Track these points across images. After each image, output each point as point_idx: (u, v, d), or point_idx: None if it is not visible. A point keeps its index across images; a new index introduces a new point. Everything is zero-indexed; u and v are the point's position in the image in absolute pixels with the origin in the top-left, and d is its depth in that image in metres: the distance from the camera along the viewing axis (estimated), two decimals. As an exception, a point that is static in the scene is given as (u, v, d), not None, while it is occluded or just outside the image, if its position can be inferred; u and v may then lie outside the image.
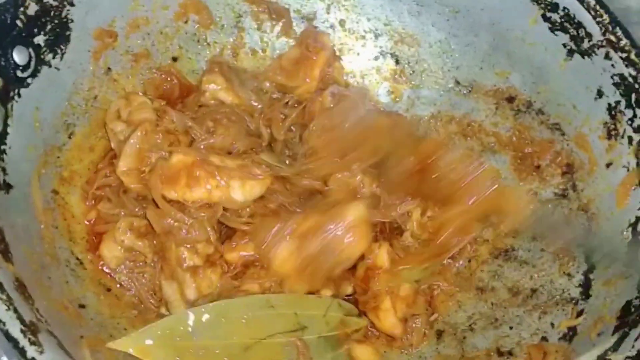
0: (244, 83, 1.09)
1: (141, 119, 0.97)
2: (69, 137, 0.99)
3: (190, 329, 0.85)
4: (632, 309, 0.82)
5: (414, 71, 1.16)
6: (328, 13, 1.16)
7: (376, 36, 1.16)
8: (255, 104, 1.07)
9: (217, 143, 0.98)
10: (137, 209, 0.97)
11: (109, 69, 1.04)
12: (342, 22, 1.16)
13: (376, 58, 1.17)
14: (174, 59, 1.11)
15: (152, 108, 0.99)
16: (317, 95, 1.05)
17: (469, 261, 1.04)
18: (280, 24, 1.15)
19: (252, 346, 0.88)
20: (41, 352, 0.72)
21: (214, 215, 0.93)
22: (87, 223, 0.98)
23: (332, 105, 1.02)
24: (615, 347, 0.79)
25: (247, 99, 1.06)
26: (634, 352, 0.77)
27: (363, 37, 1.17)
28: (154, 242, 0.95)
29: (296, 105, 1.07)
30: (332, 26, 1.16)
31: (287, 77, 1.09)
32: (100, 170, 1.00)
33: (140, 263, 0.97)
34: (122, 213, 0.97)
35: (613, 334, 0.82)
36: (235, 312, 0.88)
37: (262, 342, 0.88)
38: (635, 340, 0.78)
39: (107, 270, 0.96)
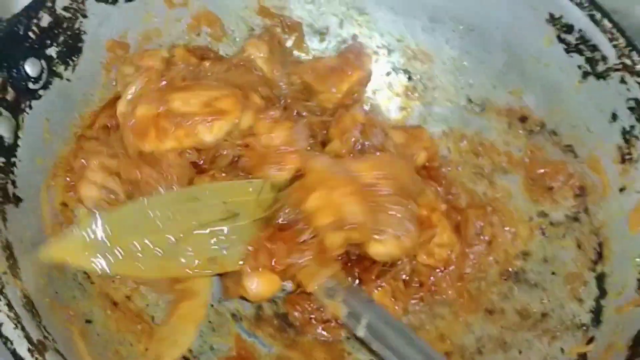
0: (283, 64, 1.08)
1: (148, 66, 0.98)
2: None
3: (115, 230, 0.86)
4: (645, 339, 0.81)
5: (426, 88, 1.15)
6: (341, 28, 1.15)
7: (389, 52, 1.16)
8: (284, 87, 1.07)
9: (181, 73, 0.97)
10: (121, 151, 0.96)
11: (120, 80, 1.04)
12: (354, 38, 1.15)
13: (388, 74, 1.16)
14: (186, 71, 1.10)
15: (161, 57, 1.00)
16: (347, 109, 1.04)
17: (479, 282, 1.03)
18: (293, 38, 1.14)
19: (183, 239, 0.88)
20: (48, 372, 0.72)
21: (185, 166, 0.93)
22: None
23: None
24: (627, 377, 0.79)
25: (279, 79, 1.06)
26: (645, 383, 0.76)
27: (376, 53, 1.16)
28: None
29: (317, 110, 1.07)
30: (344, 41, 1.16)
31: (316, 79, 1.08)
32: (102, 110, 1.00)
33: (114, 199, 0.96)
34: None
35: (624, 363, 0.81)
36: (159, 209, 0.88)
37: (193, 234, 0.89)
38: (648, 370, 0.77)
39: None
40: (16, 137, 0.88)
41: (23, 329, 0.73)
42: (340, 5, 1.14)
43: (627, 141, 0.94)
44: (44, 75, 0.93)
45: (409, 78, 1.16)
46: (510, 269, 1.03)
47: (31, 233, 0.87)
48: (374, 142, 0.99)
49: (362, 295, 0.94)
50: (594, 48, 0.97)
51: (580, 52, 0.98)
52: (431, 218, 1.00)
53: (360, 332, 0.90)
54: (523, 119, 1.08)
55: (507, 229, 1.05)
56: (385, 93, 1.17)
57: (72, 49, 0.96)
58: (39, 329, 0.76)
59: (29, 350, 0.72)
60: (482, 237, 1.03)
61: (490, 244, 1.04)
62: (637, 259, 0.89)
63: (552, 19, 0.99)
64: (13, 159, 0.87)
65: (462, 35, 1.10)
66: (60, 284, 0.89)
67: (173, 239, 0.88)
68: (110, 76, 1.02)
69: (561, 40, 1.00)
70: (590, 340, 0.91)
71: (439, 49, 1.13)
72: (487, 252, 1.03)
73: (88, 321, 0.89)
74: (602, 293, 0.93)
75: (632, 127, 0.94)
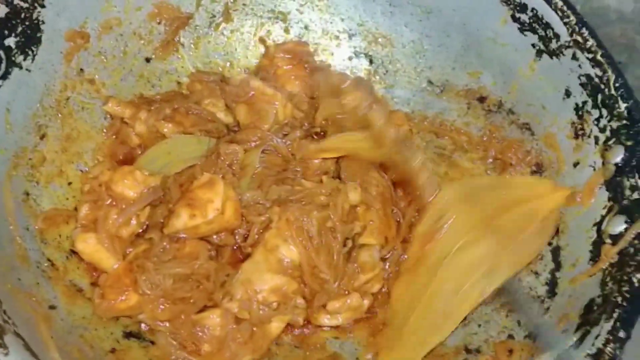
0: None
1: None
2: (41, 139, 0.99)
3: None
4: (595, 307, 0.83)
5: (387, 71, 1.16)
6: (301, 13, 1.16)
7: (350, 36, 1.17)
8: None
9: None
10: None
11: (82, 70, 1.04)
12: (315, 22, 1.16)
13: (350, 58, 1.18)
14: (147, 60, 1.11)
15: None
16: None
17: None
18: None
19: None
20: (6, 354, 0.73)
21: None
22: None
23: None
24: (577, 345, 0.80)
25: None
26: (593, 350, 0.78)
27: (337, 38, 1.17)
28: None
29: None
30: (306, 26, 1.17)
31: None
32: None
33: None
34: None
35: (575, 331, 0.82)
36: None
37: None
38: (596, 338, 0.79)
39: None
40: (-25, 127, 0.89)
41: (-19, 312, 0.74)
42: (301, -10, 1.15)
43: (580, 117, 0.96)
44: (3, 66, 0.93)
45: (371, 62, 1.17)
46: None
47: (-8, 222, 0.88)
48: None
49: None
50: (547, 26, 0.98)
51: (534, 31, 1.00)
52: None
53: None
54: (482, 99, 1.10)
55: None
56: (348, 77, 1.17)
57: (31, 39, 0.96)
58: (-2, 314, 0.77)
59: (-15, 332, 0.73)
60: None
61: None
62: (590, 232, 0.91)
63: (507, -1, 1.01)
64: (-27, 149, 0.88)
65: (421, 18, 1.11)
66: (22, 271, 0.89)
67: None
68: (71, 65, 1.02)
69: (515, 19, 1.01)
70: (546, 311, 0.92)
71: (398, 32, 1.14)
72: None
73: (52, 307, 0.90)
74: (557, 266, 0.95)
75: (585, 102, 0.95)
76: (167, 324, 0.92)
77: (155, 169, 0.99)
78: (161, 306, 0.90)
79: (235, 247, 0.97)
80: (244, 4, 1.15)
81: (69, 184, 1.01)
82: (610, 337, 0.78)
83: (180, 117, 1.03)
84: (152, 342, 0.94)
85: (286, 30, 1.17)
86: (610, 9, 1.46)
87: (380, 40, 1.16)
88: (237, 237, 0.95)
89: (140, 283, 0.89)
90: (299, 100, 1.08)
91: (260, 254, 0.92)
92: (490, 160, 1.08)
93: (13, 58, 0.94)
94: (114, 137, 1.05)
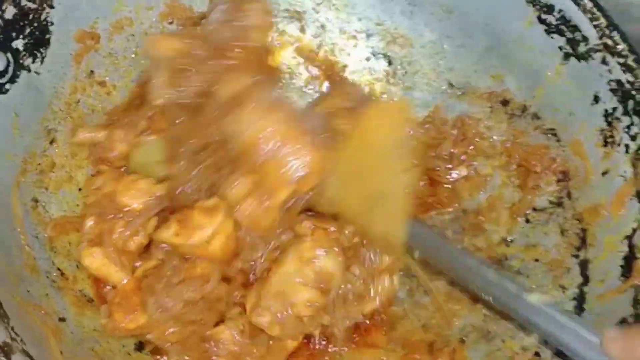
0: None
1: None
2: (50, 143, 0.97)
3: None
4: (627, 327, 0.80)
5: (406, 72, 1.13)
6: (317, 12, 1.13)
7: (368, 36, 1.13)
8: None
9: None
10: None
11: (92, 72, 1.01)
12: (332, 22, 1.13)
13: (368, 59, 1.14)
14: (160, 61, 1.08)
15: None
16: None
17: (462, 270, 1.01)
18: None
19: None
20: (14, 375, 0.70)
21: None
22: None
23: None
24: (609, 366, 0.77)
25: None
26: (628, 373, 0.75)
27: (354, 37, 1.14)
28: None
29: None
30: (322, 26, 1.13)
31: None
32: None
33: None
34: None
35: (607, 352, 0.79)
36: None
37: None
38: None
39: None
40: (-17, 133, 0.86)
41: (-12, 331, 0.71)
42: (317, -11, 1.12)
43: (609, 124, 0.92)
44: (11, 69, 0.90)
45: (389, 63, 1.13)
46: (493, 256, 1.01)
47: (1, 232, 0.86)
48: None
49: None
50: (575, 28, 0.94)
51: (561, 33, 0.96)
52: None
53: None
54: (505, 103, 1.06)
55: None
56: (366, 78, 1.14)
57: (39, 41, 0.93)
58: (6, 331, 0.74)
59: (-6, 353, 0.71)
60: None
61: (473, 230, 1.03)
62: (620, 245, 0.88)
63: (533, 0, 0.97)
64: (-20, 155, 0.85)
65: (442, 18, 1.07)
66: (32, 281, 0.87)
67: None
68: (80, 67, 0.99)
69: (542, 21, 0.97)
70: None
71: (418, 32, 1.10)
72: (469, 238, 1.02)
73: (61, 319, 0.88)
74: (585, 280, 0.91)
75: (614, 109, 0.92)
76: (177, 345, 0.88)
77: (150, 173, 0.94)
78: (170, 329, 0.87)
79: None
80: (258, 3, 1.11)
81: (79, 190, 0.99)
82: (645, 359, 0.75)
83: (159, 123, 0.97)
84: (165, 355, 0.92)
85: (302, 30, 1.14)
86: (633, 5, 1.42)
87: (399, 40, 1.12)
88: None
89: (149, 306, 0.86)
90: None
91: (292, 265, 0.88)
92: (514, 167, 1.04)
93: (21, 61, 0.92)
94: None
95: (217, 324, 0.89)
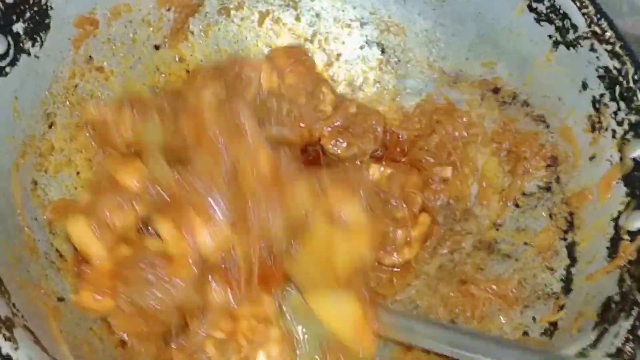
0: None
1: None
2: (49, 127, 0.98)
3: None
4: (613, 305, 0.82)
5: (399, 60, 1.15)
6: (312, 1, 1.14)
7: (362, 25, 1.15)
8: None
9: None
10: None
11: (90, 57, 1.03)
12: (327, 10, 1.14)
13: (362, 47, 1.16)
14: (156, 47, 1.09)
15: None
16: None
17: (452, 253, 1.03)
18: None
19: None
20: (16, 349, 0.72)
21: None
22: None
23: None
24: (595, 344, 0.79)
25: None
26: (612, 349, 0.77)
27: (349, 26, 1.15)
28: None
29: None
30: (317, 14, 1.15)
31: None
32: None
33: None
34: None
35: (593, 330, 0.81)
36: None
37: None
38: (614, 337, 0.78)
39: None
40: (-17, 115, 0.87)
41: (-10, 306, 0.73)
42: (313, -22, 1.13)
43: (597, 109, 0.95)
44: (11, 52, 0.91)
45: (383, 51, 1.15)
46: (483, 240, 1.03)
47: (1, 213, 0.87)
48: None
49: None
50: (564, 16, 0.96)
51: (550, 21, 0.98)
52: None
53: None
54: (496, 91, 1.08)
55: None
56: (360, 66, 1.16)
57: (39, 25, 0.94)
58: (8, 307, 0.76)
59: (-4, 326, 0.72)
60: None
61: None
62: (607, 227, 0.90)
63: (523, -12, 0.99)
64: (-20, 138, 0.86)
65: (435, 6, 1.09)
66: (31, 262, 0.89)
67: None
68: (79, 52, 1.00)
69: (532, 9, 0.99)
70: (561, 309, 0.92)
71: (411, 21, 1.12)
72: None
73: (60, 299, 0.89)
74: (573, 261, 0.94)
75: (602, 95, 0.94)
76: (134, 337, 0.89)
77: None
78: (134, 321, 0.87)
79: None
80: (254, -9, 1.13)
81: (77, 173, 1.00)
82: (630, 336, 0.77)
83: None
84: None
85: (297, 18, 1.15)
86: (622, 0, 1.44)
87: (392, 29, 1.14)
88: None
89: (119, 295, 0.85)
90: (295, 92, 1.06)
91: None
92: (504, 153, 1.06)
93: (21, 44, 0.92)
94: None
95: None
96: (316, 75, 1.10)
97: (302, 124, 1.05)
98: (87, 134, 1.01)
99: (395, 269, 0.99)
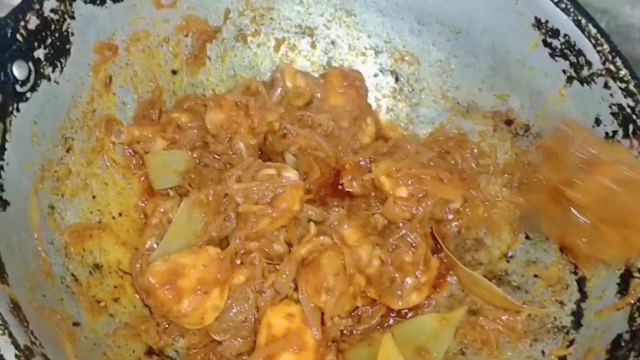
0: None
1: None
2: (67, 151, 0.99)
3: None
4: (622, 343, 0.83)
5: (413, 89, 1.16)
6: (328, 29, 1.16)
7: (376, 53, 1.16)
8: None
9: None
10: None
11: (109, 82, 1.04)
12: (342, 38, 1.16)
13: (376, 75, 1.17)
14: (174, 72, 1.10)
15: None
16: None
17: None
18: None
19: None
20: (34, 378, 0.73)
21: None
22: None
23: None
24: (605, 381, 0.80)
25: None
26: (623, 388, 0.78)
27: (363, 54, 1.17)
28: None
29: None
30: (332, 42, 1.16)
31: None
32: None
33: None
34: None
35: (603, 366, 0.82)
36: None
37: None
38: (625, 375, 0.79)
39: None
40: (4, 140, 0.88)
41: (10, 335, 0.74)
42: (329, 7, 1.14)
43: (609, 146, 0.95)
44: (32, 78, 0.92)
45: (396, 79, 1.16)
46: (494, 271, 1.04)
47: (18, 237, 0.87)
48: None
49: None
50: (579, 53, 0.98)
51: (565, 57, 0.99)
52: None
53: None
54: (508, 122, 1.09)
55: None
56: (374, 94, 1.17)
57: (60, 51, 0.95)
58: (26, 335, 0.76)
59: (15, 356, 0.73)
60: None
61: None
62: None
63: (538, 24, 1.00)
64: (0, 163, 0.87)
65: (449, 37, 1.11)
66: (47, 287, 0.89)
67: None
68: (98, 77, 1.02)
69: (547, 44, 1.01)
70: (571, 343, 0.92)
71: (426, 51, 1.14)
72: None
73: (75, 324, 0.90)
74: (583, 296, 0.94)
75: (615, 132, 0.95)
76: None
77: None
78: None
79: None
80: (271, 18, 1.14)
81: (94, 197, 1.01)
82: (641, 375, 0.78)
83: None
84: (174, 360, 0.94)
85: (313, 45, 1.17)
86: (634, 27, 1.45)
87: (407, 58, 1.15)
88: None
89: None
90: (339, 114, 1.07)
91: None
92: (516, 184, 1.07)
93: (42, 70, 0.93)
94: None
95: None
96: (365, 104, 1.11)
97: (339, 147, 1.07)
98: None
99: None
